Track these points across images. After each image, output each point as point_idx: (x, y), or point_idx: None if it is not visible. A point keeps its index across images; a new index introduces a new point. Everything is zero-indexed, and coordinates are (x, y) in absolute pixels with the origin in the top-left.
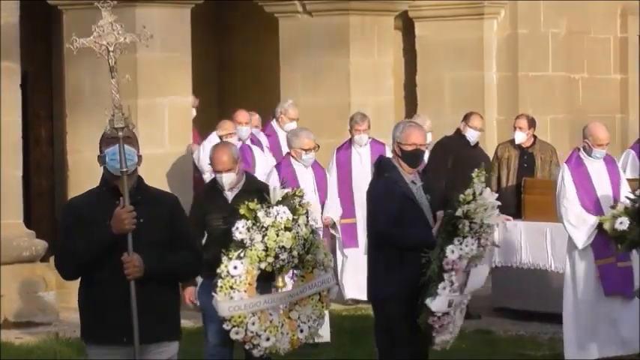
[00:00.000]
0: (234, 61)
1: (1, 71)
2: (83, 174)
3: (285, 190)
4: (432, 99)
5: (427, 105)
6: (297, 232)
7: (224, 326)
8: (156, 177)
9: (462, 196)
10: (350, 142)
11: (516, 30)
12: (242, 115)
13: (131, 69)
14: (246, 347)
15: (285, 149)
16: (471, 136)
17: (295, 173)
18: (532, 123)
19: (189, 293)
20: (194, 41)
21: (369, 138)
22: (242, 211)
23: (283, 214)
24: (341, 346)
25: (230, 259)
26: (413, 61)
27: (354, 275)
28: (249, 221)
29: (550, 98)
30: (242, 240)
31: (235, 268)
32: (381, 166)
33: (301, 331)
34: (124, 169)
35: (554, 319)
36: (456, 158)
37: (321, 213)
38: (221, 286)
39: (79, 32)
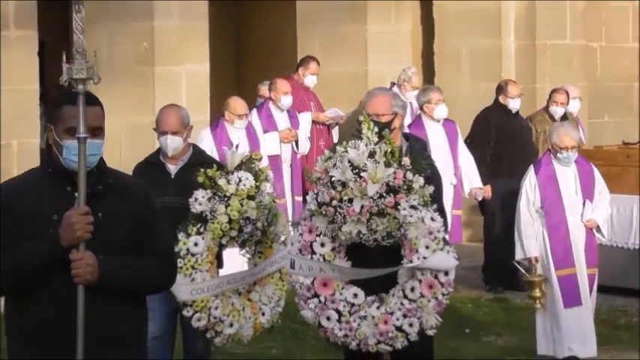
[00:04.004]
0: (252, 30)
1: (17, 40)
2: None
3: (243, 153)
4: (449, 67)
5: (445, 73)
6: (261, 201)
7: (184, 312)
8: None
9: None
10: (419, 120)
11: None
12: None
13: (148, 37)
14: (208, 335)
15: (407, 117)
16: (513, 105)
17: (555, 173)
18: (568, 97)
19: None
20: (210, 11)
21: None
22: (200, 179)
23: (246, 180)
24: None
25: (189, 235)
26: (430, 30)
27: None
28: (209, 190)
29: (568, 67)
30: (202, 212)
31: (196, 244)
32: None
33: (263, 314)
34: (82, 135)
35: None
36: (498, 130)
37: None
38: (181, 267)
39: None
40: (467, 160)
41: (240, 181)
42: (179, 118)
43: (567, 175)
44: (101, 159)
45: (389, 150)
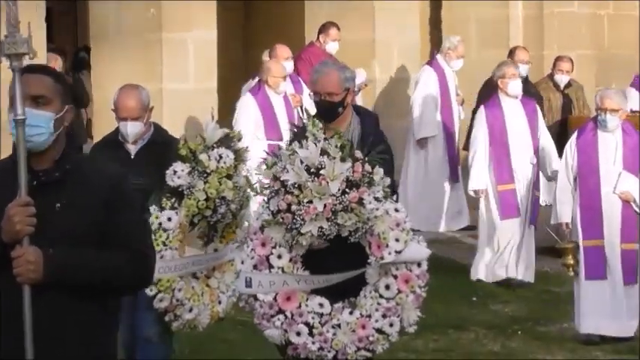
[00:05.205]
0: None
1: (24, 6)
2: (107, 111)
3: (223, 130)
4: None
5: None
6: (237, 182)
7: (147, 291)
8: (180, 113)
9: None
10: (496, 96)
11: None
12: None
13: (155, 4)
14: (167, 319)
15: (451, 86)
16: (521, 70)
17: (597, 140)
18: (573, 64)
19: None
20: None
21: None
22: (182, 151)
23: (227, 158)
24: None
25: (163, 208)
26: None
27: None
28: (188, 164)
29: (576, 35)
30: (178, 186)
31: (169, 220)
32: None
33: (220, 302)
34: (19, 117)
35: None
36: None
37: None
38: None
39: None
40: (547, 141)
41: (220, 158)
42: (139, 102)
43: (608, 143)
44: (66, 142)
45: (339, 144)
